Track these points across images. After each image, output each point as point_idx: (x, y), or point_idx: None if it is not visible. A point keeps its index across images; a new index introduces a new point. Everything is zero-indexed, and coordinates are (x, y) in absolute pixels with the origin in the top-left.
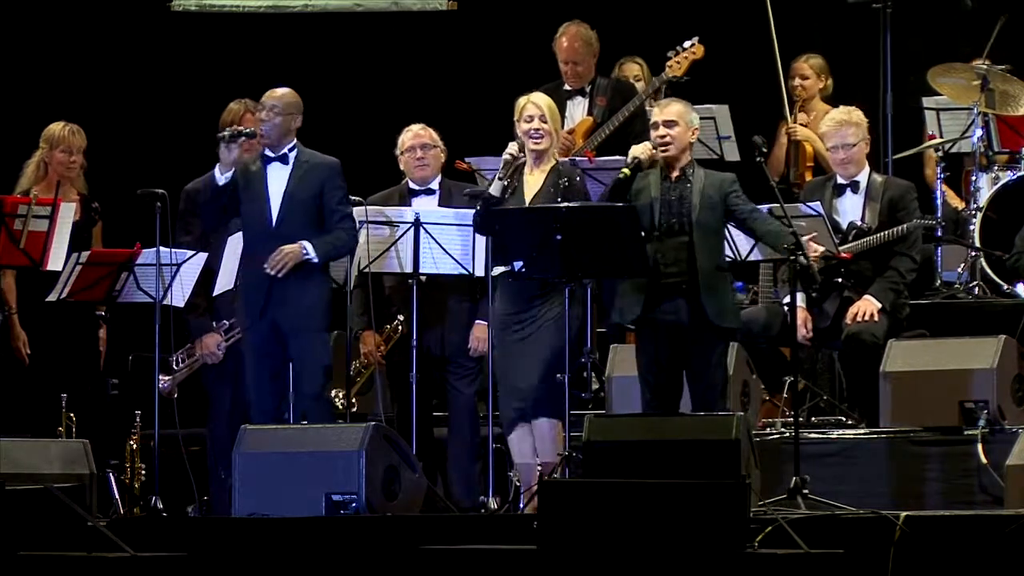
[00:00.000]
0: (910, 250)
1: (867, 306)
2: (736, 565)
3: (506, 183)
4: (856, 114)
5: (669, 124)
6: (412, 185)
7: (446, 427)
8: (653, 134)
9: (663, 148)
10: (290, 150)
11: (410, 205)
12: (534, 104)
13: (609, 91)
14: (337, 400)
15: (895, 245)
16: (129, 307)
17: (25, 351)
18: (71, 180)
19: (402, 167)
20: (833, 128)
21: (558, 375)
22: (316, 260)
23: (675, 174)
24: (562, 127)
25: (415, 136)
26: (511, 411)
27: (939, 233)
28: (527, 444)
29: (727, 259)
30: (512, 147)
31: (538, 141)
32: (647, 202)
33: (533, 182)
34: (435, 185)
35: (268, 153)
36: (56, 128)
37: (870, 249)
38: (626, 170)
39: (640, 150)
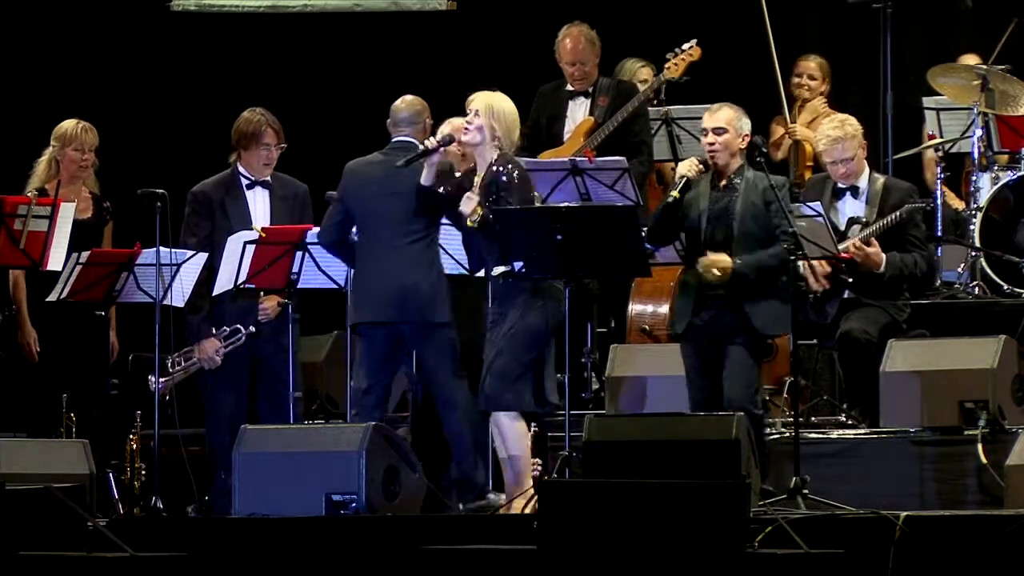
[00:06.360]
0: (922, 247)
1: (874, 252)
2: (736, 565)
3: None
4: (848, 125)
5: (718, 131)
6: None
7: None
8: (703, 140)
9: (711, 155)
10: None
11: None
12: (472, 100)
13: (611, 92)
14: None
15: (904, 232)
16: (129, 307)
17: (35, 349)
18: (83, 178)
19: None
20: (828, 146)
21: (557, 375)
22: None
23: (723, 183)
24: (563, 127)
25: None
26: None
27: (931, 215)
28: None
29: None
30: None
31: (466, 133)
32: (696, 214)
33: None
34: None
35: None
36: (68, 125)
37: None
38: (675, 193)
39: (687, 167)
